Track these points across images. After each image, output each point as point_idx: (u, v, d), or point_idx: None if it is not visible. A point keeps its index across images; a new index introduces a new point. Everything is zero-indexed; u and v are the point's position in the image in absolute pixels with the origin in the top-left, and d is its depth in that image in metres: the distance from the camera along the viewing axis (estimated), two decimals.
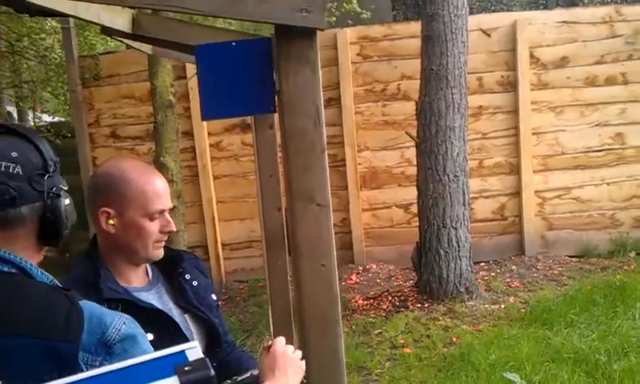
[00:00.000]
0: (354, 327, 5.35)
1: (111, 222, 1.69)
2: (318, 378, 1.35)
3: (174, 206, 1.78)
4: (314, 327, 1.34)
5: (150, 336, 1.64)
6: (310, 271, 1.32)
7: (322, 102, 1.30)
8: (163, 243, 1.80)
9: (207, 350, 1.87)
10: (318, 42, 1.27)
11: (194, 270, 1.95)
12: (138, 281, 1.80)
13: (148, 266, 1.86)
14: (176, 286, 1.87)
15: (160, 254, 1.79)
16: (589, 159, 6.91)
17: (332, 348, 1.34)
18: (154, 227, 1.73)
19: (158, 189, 1.74)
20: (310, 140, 1.29)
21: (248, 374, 1.69)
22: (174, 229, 1.80)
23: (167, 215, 1.76)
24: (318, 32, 1.28)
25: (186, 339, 1.69)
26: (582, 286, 5.76)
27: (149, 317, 1.67)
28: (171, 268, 1.88)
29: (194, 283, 1.90)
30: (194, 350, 0.95)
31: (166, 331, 1.67)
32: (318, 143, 1.30)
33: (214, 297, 1.98)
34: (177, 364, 0.91)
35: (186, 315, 1.84)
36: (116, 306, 1.64)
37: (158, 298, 1.81)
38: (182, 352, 0.94)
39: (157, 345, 1.07)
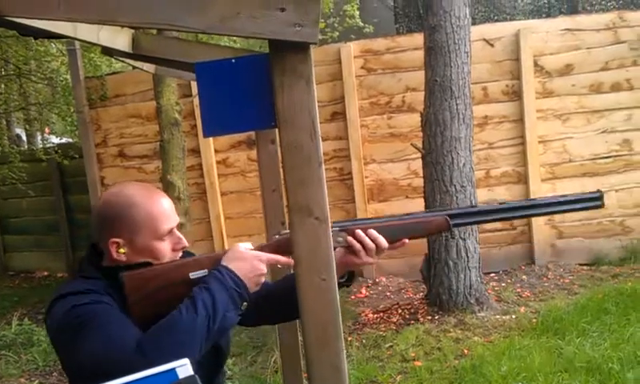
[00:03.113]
0: (364, 341, 5.32)
1: (122, 250, 1.69)
2: None
3: (181, 223, 1.76)
4: (315, 342, 1.33)
5: None
6: (310, 285, 1.32)
7: (318, 116, 1.30)
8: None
9: (211, 368, 1.85)
10: (312, 56, 1.28)
11: None
12: None
13: None
14: None
15: None
16: (596, 166, 6.87)
17: (334, 363, 1.33)
18: (166, 247, 1.72)
19: (165, 208, 1.73)
20: (307, 153, 1.29)
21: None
22: (187, 244, 1.79)
23: (177, 232, 1.76)
24: (313, 46, 1.28)
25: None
26: (594, 294, 5.71)
27: None
28: None
29: None
30: (184, 367, 0.95)
31: None
32: (314, 156, 1.30)
33: None
34: (168, 382, 0.91)
35: None
36: None
37: None
38: (173, 370, 0.94)
39: None
